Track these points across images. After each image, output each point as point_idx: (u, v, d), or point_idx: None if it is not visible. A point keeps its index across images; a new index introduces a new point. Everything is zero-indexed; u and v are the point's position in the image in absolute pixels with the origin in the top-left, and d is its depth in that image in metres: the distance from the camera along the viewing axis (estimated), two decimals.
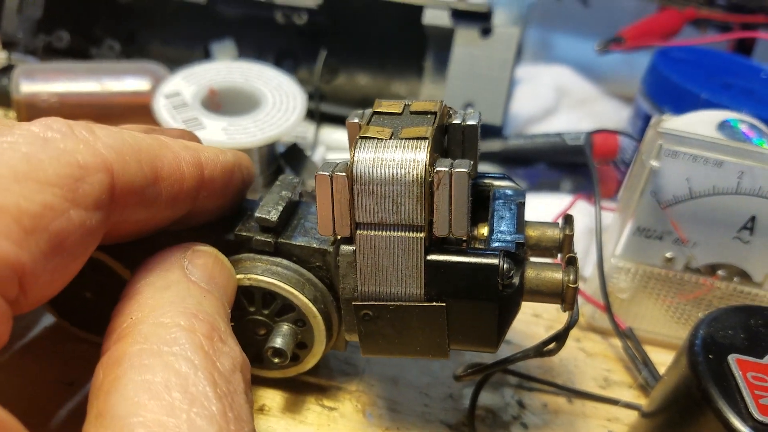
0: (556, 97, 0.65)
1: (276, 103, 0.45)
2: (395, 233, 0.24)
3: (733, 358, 0.26)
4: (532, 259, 0.28)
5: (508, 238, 0.25)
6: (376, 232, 0.24)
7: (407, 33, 0.56)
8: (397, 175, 0.23)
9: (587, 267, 0.41)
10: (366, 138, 0.23)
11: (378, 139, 0.23)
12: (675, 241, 0.35)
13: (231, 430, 0.17)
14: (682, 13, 0.67)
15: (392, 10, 0.55)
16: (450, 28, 0.54)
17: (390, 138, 0.23)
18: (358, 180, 0.23)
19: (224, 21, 0.56)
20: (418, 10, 0.54)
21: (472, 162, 0.23)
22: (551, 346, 0.27)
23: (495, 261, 0.24)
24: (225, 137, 0.41)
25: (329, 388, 0.32)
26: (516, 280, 0.25)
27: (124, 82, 0.51)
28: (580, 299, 0.38)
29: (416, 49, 0.58)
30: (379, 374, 0.33)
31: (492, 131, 0.55)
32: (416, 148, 0.23)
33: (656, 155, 0.33)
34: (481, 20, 0.53)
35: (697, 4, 0.69)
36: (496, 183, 0.29)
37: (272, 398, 0.31)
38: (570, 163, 0.56)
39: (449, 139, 0.27)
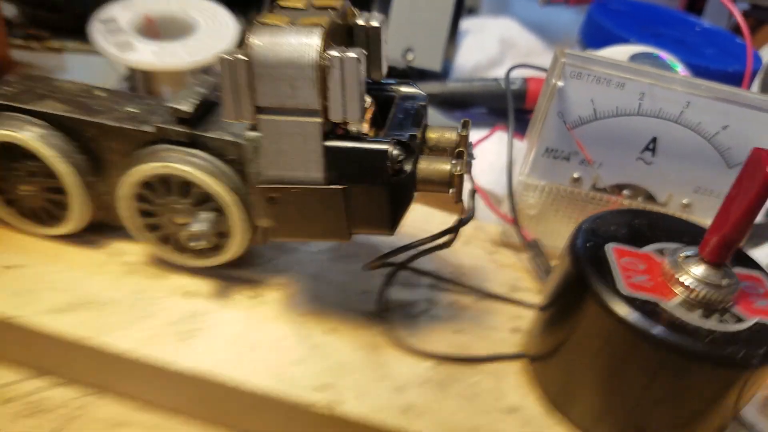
0: (501, 49, 0.67)
1: (208, 30, 0.46)
2: (294, 118, 0.25)
3: (610, 246, 0.28)
4: None
5: (404, 131, 0.27)
6: (277, 117, 0.25)
7: None
8: (292, 58, 0.24)
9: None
10: (263, 24, 0.25)
11: (275, 25, 0.25)
12: (581, 161, 0.37)
13: None
14: None
15: None
16: None
17: (287, 25, 0.25)
18: (257, 63, 0.24)
19: None
20: None
21: (366, 52, 0.25)
22: (446, 238, 0.29)
23: (385, 147, 0.25)
24: (154, 59, 0.42)
25: (255, 281, 0.34)
26: (408, 167, 0.26)
27: None
28: (492, 216, 0.41)
29: None
30: (303, 272, 0.35)
31: (432, 76, 0.57)
32: (310, 33, 0.24)
33: (559, 75, 0.35)
34: None
35: None
36: (402, 89, 0.30)
37: (199, 285, 0.33)
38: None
39: (355, 42, 0.29)
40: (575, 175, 0.38)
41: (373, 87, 0.30)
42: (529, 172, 0.38)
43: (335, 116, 0.25)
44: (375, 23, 0.28)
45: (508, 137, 0.39)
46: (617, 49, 0.43)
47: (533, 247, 0.37)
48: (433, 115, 0.56)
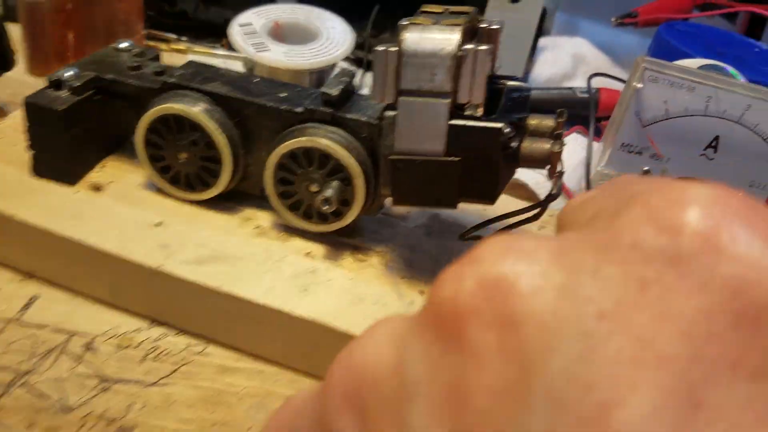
0: (573, 64, 0.73)
1: (329, 38, 0.53)
2: (429, 99, 0.32)
3: None
4: None
5: (513, 115, 0.33)
6: (415, 98, 0.32)
7: None
8: (435, 49, 0.31)
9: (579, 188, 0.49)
10: (413, 23, 0.32)
11: (422, 24, 0.32)
12: (652, 156, 0.43)
13: None
14: None
15: None
16: None
17: (431, 24, 0.32)
18: (406, 53, 0.31)
19: None
20: None
21: (493, 49, 0.32)
22: (534, 212, 0.36)
23: (500, 125, 0.32)
24: (285, 59, 0.50)
25: (361, 247, 0.40)
26: (515, 144, 0.33)
27: None
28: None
29: None
30: (402, 244, 0.41)
31: None
32: (452, 30, 0.31)
33: (639, 78, 0.41)
34: None
35: None
36: (509, 82, 0.37)
37: (317, 248, 0.39)
38: (581, 117, 0.64)
39: (477, 40, 0.36)
40: (645, 168, 0.44)
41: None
42: (605, 165, 0.44)
43: (463, 97, 0.32)
44: (495, 26, 0.35)
45: (589, 136, 0.45)
46: (687, 61, 0.49)
47: None
48: None
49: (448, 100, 0.32)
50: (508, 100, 0.35)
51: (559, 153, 0.33)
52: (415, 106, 0.32)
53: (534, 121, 0.36)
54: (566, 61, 0.73)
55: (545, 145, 0.33)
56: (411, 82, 0.32)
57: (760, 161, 0.42)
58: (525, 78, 0.70)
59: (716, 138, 0.42)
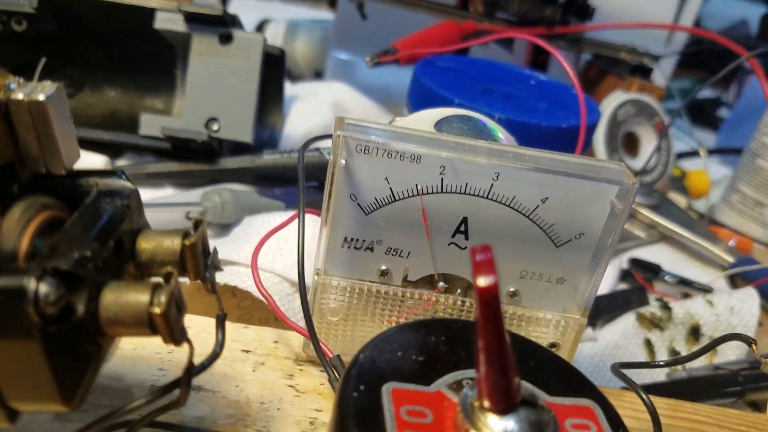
0: (335, 114, 0.61)
1: None
2: None
3: (388, 388, 0.20)
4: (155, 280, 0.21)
5: (73, 251, 0.19)
6: None
7: (156, 41, 0.49)
8: None
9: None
10: None
11: None
12: (387, 251, 0.30)
13: None
14: (461, 25, 0.66)
15: (123, 13, 0.48)
16: (187, 34, 0.47)
17: None
18: None
19: None
20: (151, 13, 0.48)
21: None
22: (175, 395, 0.21)
23: (24, 284, 0.17)
24: None
25: None
26: (80, 309, 0.18)
27: None
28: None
29: (169, 58, 0.51)
30: None
31: (244, 148, 0.50)
32: None
33: (342, 150, 0.28)
34: (218, 25, 0.47)
35: (477, 17, 0.68)
36: (103, 181, 0.22)
37: None
38: None
39: (17, 123, 0.20)
40: (383, 268, 0.31)
41: (55, 183, 0.22)
42: (325, 270, 0.31)
43: None
44: (40, 96, 0.20)
45: (299, 224, 0.31)
46: (427, 113, 0.37)
47: (336, 367, 0.29)
48: (250, 194, 0.48)
49: None
50: (85, 218, 0.20)
51: (162, 315, 0.18)
52: None
53: (149, 244, 0.22)
54: (325, 111, 0.61)
55: (141, 297, 0.19)
56: None
57: (528, 245, 0.30)
58: (274, 136, 0.57)
59: (465, 220, 0.30)
